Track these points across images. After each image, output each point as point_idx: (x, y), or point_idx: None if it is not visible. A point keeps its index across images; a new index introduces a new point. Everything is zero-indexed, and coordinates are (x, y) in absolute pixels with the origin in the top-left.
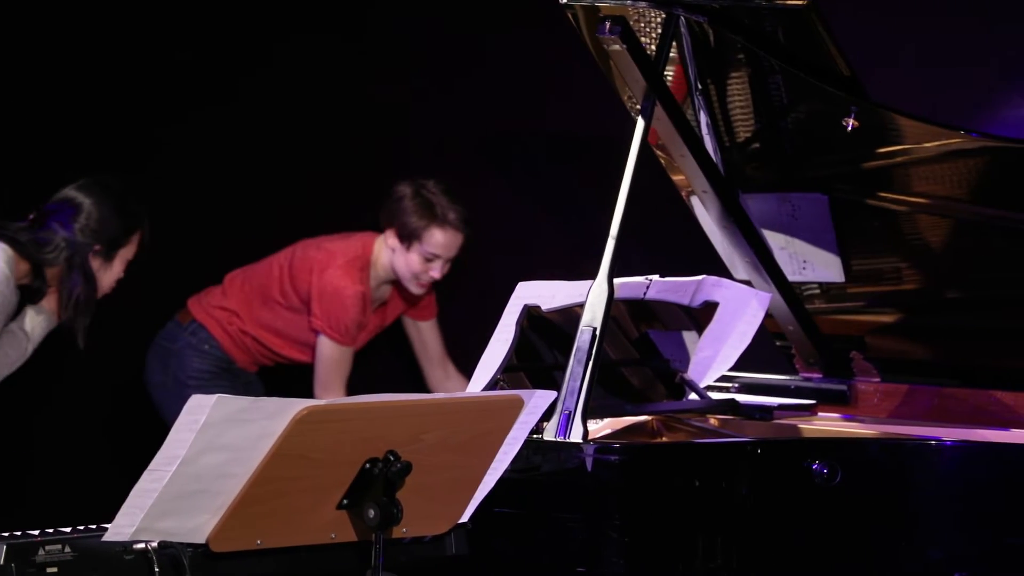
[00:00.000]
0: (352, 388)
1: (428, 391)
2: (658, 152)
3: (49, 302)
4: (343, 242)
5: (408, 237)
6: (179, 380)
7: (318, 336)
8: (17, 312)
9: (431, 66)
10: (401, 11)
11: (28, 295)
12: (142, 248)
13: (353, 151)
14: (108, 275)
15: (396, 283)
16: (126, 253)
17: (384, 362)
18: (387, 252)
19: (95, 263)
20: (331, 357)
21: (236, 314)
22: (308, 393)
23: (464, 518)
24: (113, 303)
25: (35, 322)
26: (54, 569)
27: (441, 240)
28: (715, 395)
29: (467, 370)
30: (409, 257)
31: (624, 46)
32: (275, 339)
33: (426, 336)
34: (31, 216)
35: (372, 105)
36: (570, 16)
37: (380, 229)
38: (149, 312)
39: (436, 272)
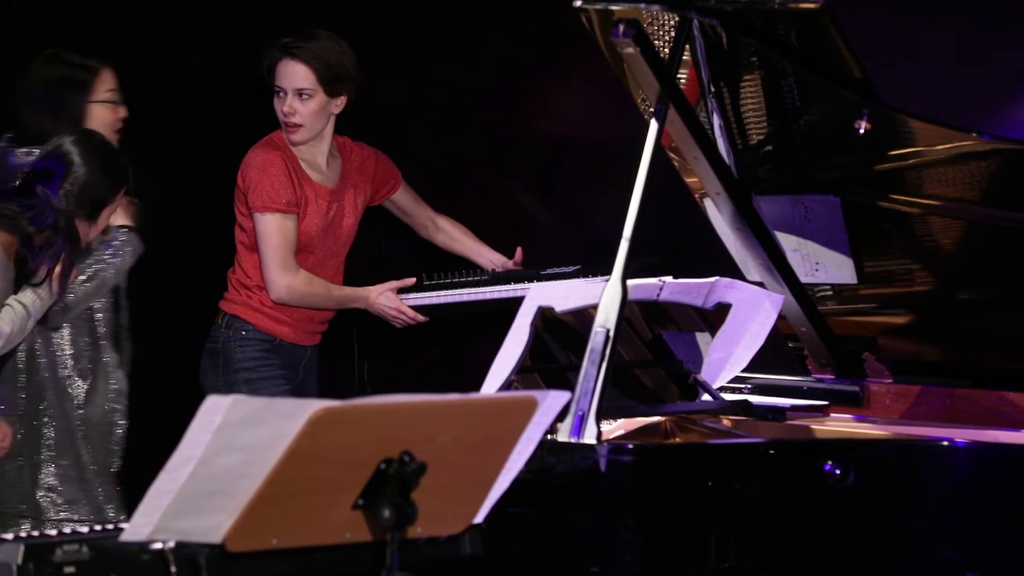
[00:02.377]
0: (368, 390)
1: (443, 390)
2: (671, 154)
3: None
4: None
5: (269, 79)
6: (229, 376)
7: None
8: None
9: (439, 66)
10: (408, 10)
11: (24, 273)
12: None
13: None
14: (93, 231)
15: (346, 177)
16: (111, 209)
17: (400, 363)
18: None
19: (81, 225)
20: (266, 231)
21: (257, 287)
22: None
23: (478, 518)
24: (160, 304)
25: (33, 296)
26: (71, 569)
27: (279, 71)
28: (728, 396)
29: (480, 373)
30: (275, 104)
31: (638, 49)
32: None
33: (402, 203)
34: (18, 181)
35: (377, 105)
36: (584, 19)
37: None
38: (200, 315)
39: (288, 107)
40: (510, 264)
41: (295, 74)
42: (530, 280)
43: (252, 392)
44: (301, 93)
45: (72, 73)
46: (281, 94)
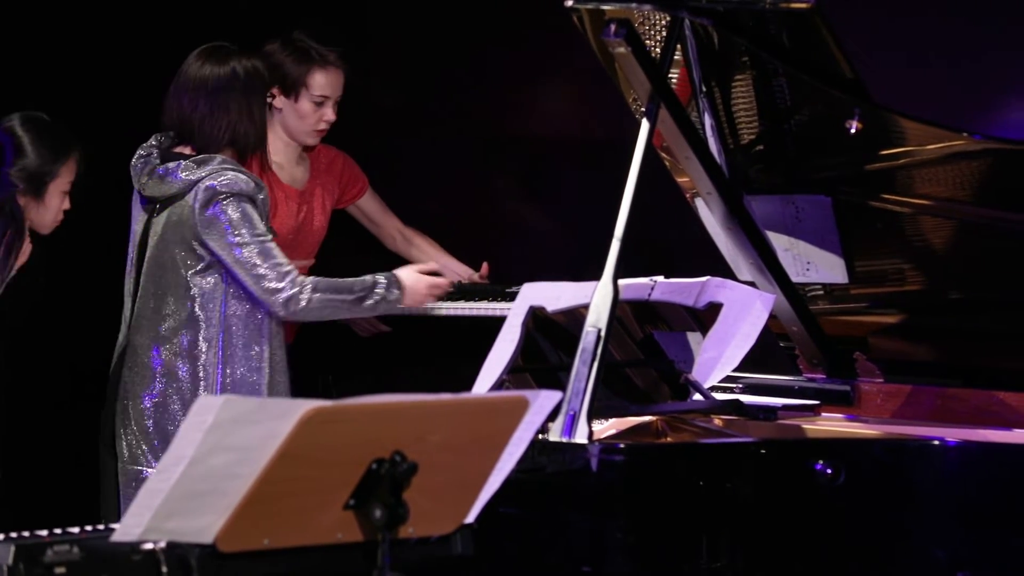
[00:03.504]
0: (361, 390)
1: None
2: (663, 154)
3: None
4: None
5: (292, 87)
6: None
7: None
8: None
9: (432, 67)
10: (403, 12)
11: None
12: (79, 178)
13: (353, 154)
14: (45, 211)
15: (314, 178)
16: (60, 185)
17: (391, 364)
18: (277, 116)
19: (24, 201)
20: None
21: None
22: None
23: (470, 518)
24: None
25: None
26: (62, 569)
27: (324, 81)
28: (719, 396)
29: (473, 372)
30: (299, 108)
31: (629, 48)
32: None
33: (369, 211)
34: None
35: (373, 108)
36: (575, 19)
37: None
38: None
39: (330, 114)
40: (476, 277)
41: (340, 84)
42: (495, 297)
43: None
44: (336, 101)
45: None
46: (324, 102)
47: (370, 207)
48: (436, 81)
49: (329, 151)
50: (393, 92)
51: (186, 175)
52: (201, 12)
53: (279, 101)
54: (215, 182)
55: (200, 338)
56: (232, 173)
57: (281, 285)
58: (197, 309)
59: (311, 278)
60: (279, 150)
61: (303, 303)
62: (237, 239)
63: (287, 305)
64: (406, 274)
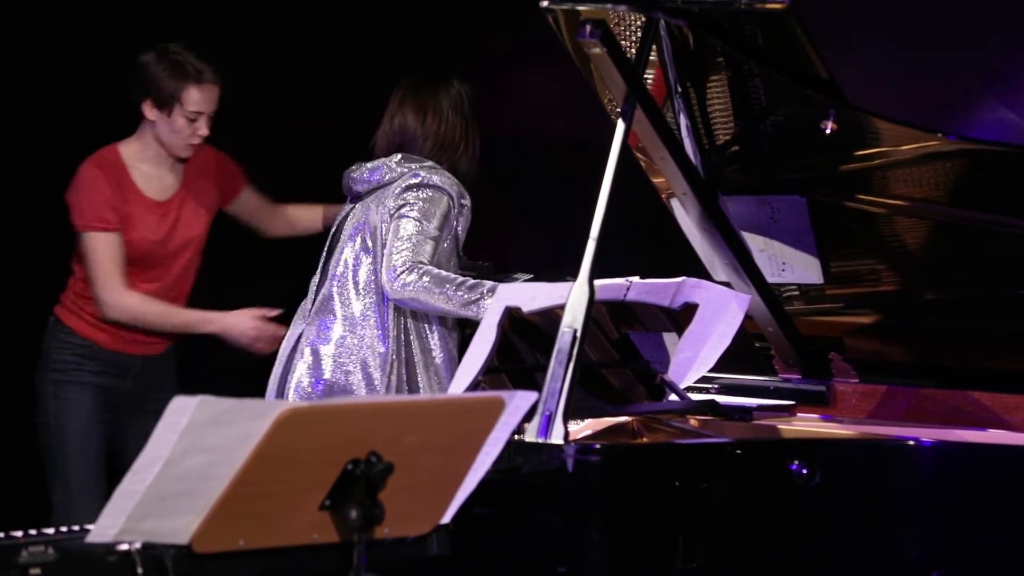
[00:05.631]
0: None
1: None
2: (638, 154)
3: None
4: None
5: (167, 102)
6: (43, 375)
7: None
8: None
9: (411, 68)
10: (385, 14)
11: None
12: None
13: (336, 154)
14: None
15: (185, 186)
16: None
17: None
18: (149, 127)
19: None
20: (89, 249)
21: (82, 295)
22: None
23: (446, 519)
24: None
25: None
26: (37, 570)
27: (200, 96)
28: (695, 396)
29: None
30: (173, 122)
31: (604, 49)
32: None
33: (249, 205)
34: None
35: (354, 110)
36: (551, 19)
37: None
38: None
39: (203, 129)
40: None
41: (215, 99)
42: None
43: (57, 395)
44: (210, 115)
45: None
46: (198, 118)
47: (251, 201)
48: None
49: (198, 155)
50: (367, 92)
51: None
52: (168, 14)
53: (152, 113)
54: None
55: None
56: None
57: None
58: None
59: None
60: (148, 159)
61: None
62: None
63: None
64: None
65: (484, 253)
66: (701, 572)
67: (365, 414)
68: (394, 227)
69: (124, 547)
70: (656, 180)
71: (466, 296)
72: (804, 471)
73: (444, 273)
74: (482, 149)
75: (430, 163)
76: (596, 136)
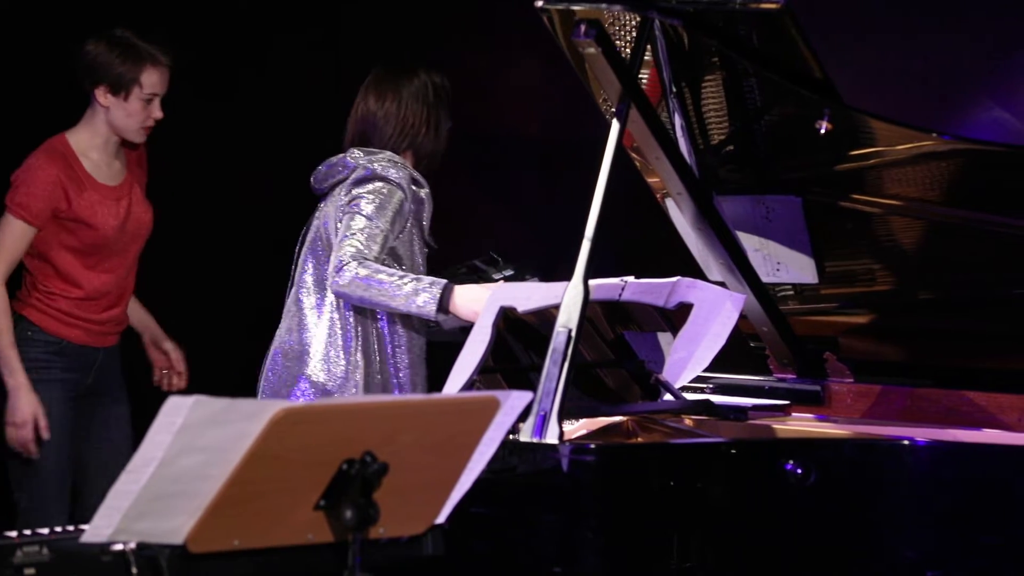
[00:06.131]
0: None
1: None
2: (633, 154)
3: None
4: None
5: (124, 86)
6: None
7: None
8: None
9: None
10: (378, 14)
11: None
12: None
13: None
14: None
15: (131, 171)
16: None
17: None
18: (102, 113)
19: None
20: (3, 231)
21: (45, 290)
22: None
23: (441, 519)
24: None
25: None
26: (32, 571)
27: (157, 78)
28: (690, 396)
29: (445, 372)
30: (129, 106)
31: (599, 49)
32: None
33: None
34: None
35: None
36: (545, 19)
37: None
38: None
39: (157, 111)
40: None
41: (167, 80)
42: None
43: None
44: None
45: None
46: (153, 100)
47: None
48: None
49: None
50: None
51: None
52: (167, 11)
53: (107, 99)
54: None
55: None
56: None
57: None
58: None
59: None
60: (97, 146)
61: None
62: None
63: None
64: None
65: (479, 254)
66: (696, 572)
67: (360, 414)
68: (344, 222)
69: (119, 547)
70: (651, 180)
71: (404, 290)
72: (799, 471)
73: (385, 268)
74: (476, 148)
75: (386, 155)
76: (590, 136)
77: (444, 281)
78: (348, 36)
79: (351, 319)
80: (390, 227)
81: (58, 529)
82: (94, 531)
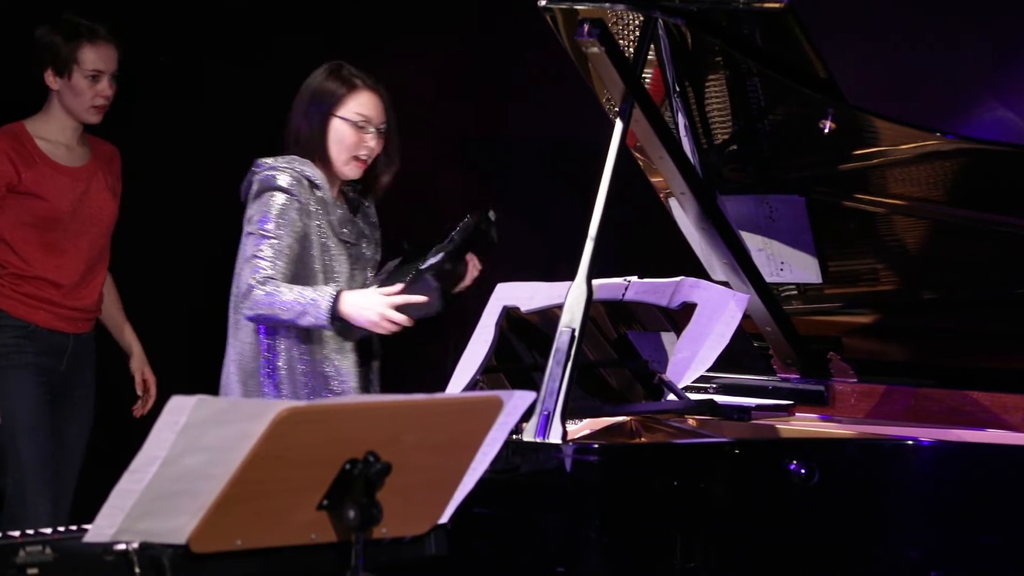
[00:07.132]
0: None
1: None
2: (637, 154)
3: None
4: None
5: (65, 66)
6: None
7: None
8: None
9: (408, 68)
10: (378, 14)
11: None
12: None
13: None
14: None
15: (96, 162)
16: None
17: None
18: (55, 98)
19: None
20: None
21: (9, 273)
22: None
23: (444, 519)
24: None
25: None
26: (35, 570)
27: (95, 55)
28: (693, 396)
29: (448, 371)
30: (75, 85)
31: (603, 48)
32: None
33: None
34: None
35: None
36: (548, 19)
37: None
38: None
39: (106, 89)
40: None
41: (112, 57)
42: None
43: None
44: (111, 75)
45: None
46: (98, 76)
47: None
48: (407, 80)
49: (111, 147)
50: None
51: None
52: (166, 11)
53: (55, 82)
54: None
55: None
56: None
57: None
58: None
59: None
60: (53, 130)
61: None
62: None
63: None
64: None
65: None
66: (699, 572)
67: (363, 414)
68: (243, 242)
69: (121, 547)
70: (654, 179)
71: (302, 304)
72: (802, 471)
73: (284, 285)
74: (481, 147)
75: (286, 158)
76: (594, 135)
77: (332, 291)
78: (348, 36)
79: (264, 336)
80: (280, 232)
81: (61, 529)
82: (97, 531)
